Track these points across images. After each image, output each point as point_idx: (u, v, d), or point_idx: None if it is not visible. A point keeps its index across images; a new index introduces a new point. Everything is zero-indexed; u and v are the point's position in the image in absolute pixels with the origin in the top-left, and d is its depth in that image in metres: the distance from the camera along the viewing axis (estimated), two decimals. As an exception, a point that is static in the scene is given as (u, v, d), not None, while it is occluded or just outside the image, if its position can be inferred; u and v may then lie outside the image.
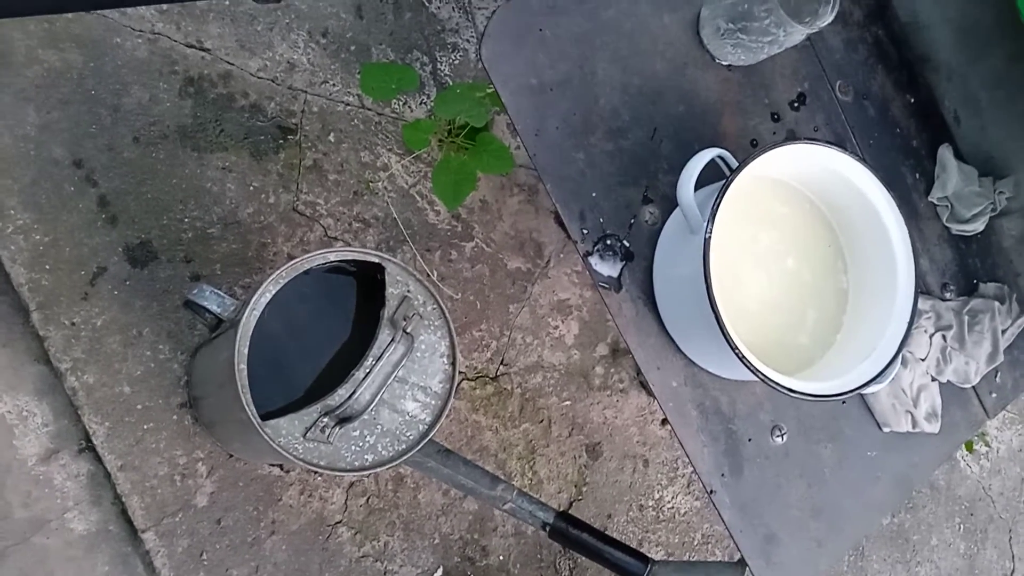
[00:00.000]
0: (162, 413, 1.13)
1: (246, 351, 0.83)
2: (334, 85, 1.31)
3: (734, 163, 0.88)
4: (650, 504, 1.48)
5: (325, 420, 0.85)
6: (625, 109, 0.93)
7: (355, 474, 0.87)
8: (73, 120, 1.13)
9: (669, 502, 1.50)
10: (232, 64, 1.24)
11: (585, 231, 0.90)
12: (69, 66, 1.14)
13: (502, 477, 1.03)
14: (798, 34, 0.88)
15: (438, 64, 1.40)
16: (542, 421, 1.40)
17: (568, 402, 1.42)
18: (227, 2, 1.25)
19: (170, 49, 1.20)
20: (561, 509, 1.32)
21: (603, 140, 0.92)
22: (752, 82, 1.01)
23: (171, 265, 1.16)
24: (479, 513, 1.32)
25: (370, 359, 0.87)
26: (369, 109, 1.33)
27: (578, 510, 1.40)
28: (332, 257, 0.89)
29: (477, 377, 1.35)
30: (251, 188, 1.22)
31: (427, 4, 1.40)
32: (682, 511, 1.52)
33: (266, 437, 0.82)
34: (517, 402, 1.38)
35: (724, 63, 0.99)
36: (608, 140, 0.92)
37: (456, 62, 1.41)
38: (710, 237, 0.80)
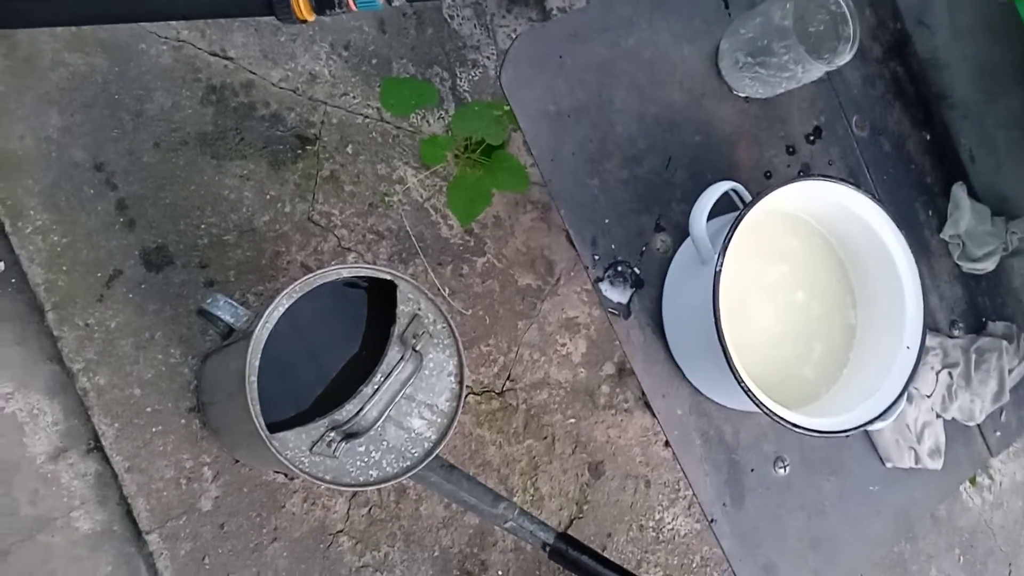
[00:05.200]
0: (171, 417, 1.14)
1: (257, 364, 0.84)
2: (354, 97, 1.32)
3: (747, 196, 0.89)
4: (650, 525, 1.49)
5: (332, 435, 0.86)
6: (641, 137, 0.94)
7: (359, 489, 0.88)
8: (95, 124, 1.14)
9: (669, 523, 1.51)
10: (254, 74, 1.25)
11: (596, 256, 0.91)
12: (94, 70, 1.15)
13: (503, 493, 1.03)
14: (816, 71, 0.89)
15: (457, 80, 1.41)
16: (546, 438, 1.40)
17: (572, 420, 1.43)
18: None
19: (194, 57, 1.22)
20: (561, 526, 1.33)
21: (618, 167, 0.93)
22: (768, 114, 1.01)
23: (186, 270, 1.17)
24: (480, 527, 1.33)
25: (379, 376, 0.88)
26: (387, 122, 1.34)
27: (578, 528, 1.41)
28: (345, 273, 0.90)
29: (483, 392, 1.36)
30: (268, 197, 1.23)
31: (449, 20, 1.41)
32: (682, 533, 1.52)
33: (273, 450, 0.83)
34: (522, 418, 1.39)
35: (741, 95, 1.00)
36: (623, 167, 0.93)
37: (476, 78, 1.42)
38: (720, 270, 0.81)
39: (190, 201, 1.19)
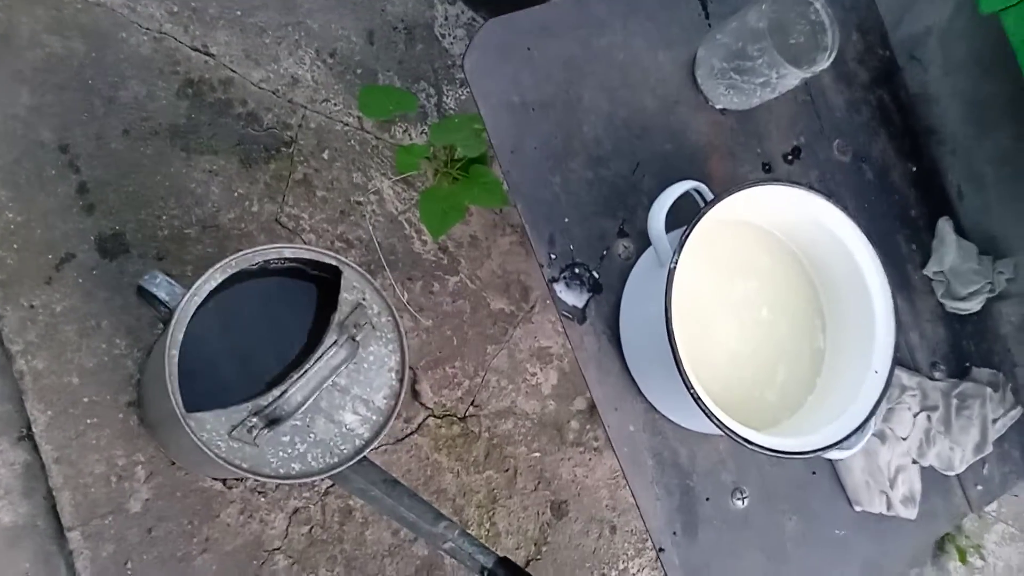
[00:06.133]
0: (108, 409, 1.09)
1: (180, 336, 0.80)
2: (335, 105, 1.30)
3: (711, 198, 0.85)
4: (613, 574, 1.40)
5: (254, 420, 0.80)
6: (608, 139, 0.91)
7: (278, 481, 0.82)
8: (66, 106, 1.13)
9: (634, 575, 1.42)
10: (235, 72, 1.24)
11: (553, 256, 0.87)
12: (71, 53, 1.14)
13: (454, 520, 0.96)
14: (792, 77, 0.86)
15: (444, 97, 1.39)
16: (507, 470, 1.34)
17: (537, 454, 1.36)
18: (239, 12, 1.26)
19: (175, 50, 1.20)
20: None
21: (582, 167, 0.89)
22: (746, 129, 0.98)
23: (142, 260, 1.13)
24: (428, 559, 1.25)
25: (311, 361, 0.83)
26: (368, 132, 1.32)
27: (535, 571, 1.33)
28: (287, 253, 0.86)
29: (444, 415, 1.30)
30: (235, 194, 1.21)
31: (440, 39, 1.40)
32: (648, 587, 1.44)
33: (188, 429, 0.78)
34: (483, 447, 1.32)
35: (718, 106, 0.97)
36: (588, 168, 0.90)
37: (462, 97, 1.40)
38: (675, 267, 0.76)
39: (154, 191, 1.16)
